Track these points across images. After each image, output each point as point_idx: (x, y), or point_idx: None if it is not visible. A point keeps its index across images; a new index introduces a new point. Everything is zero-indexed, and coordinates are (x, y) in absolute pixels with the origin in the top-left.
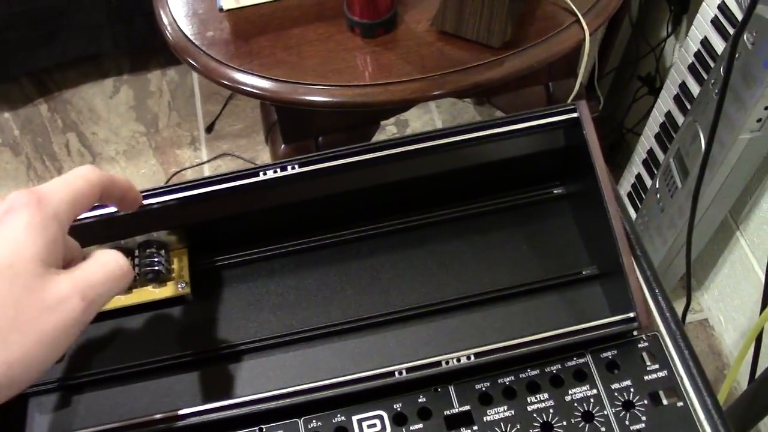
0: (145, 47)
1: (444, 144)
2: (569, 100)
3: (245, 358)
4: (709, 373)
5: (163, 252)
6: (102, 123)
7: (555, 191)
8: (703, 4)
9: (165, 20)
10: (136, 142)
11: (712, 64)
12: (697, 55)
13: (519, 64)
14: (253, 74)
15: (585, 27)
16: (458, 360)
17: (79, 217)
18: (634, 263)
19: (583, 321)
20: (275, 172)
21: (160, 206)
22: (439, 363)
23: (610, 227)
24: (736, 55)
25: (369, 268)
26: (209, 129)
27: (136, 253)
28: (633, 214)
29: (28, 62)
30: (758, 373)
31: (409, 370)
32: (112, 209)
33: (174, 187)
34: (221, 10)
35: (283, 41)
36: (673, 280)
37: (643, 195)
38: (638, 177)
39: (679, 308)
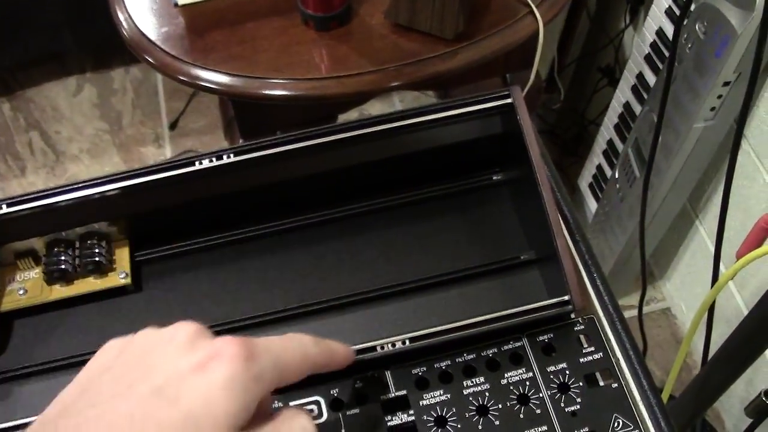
0: (108, 45)
1: (380, 131)
2: (524, 91)
3: None
4: (672, 360)
5: (104, 243)
6: (65, 121)
7: (494, 177)
8: None
9: (120, 16)
10: (99, 140)
11: (666, 54)
12: (653, 45)
13: (473, 56)
14: (208, 69)
15: (539, 17)
16: (393, 345)
17: (16, 210)
18: (572, 247)
19: (521, 305)
20: (211, 161)
21: (99, 196)
22: (374, 348)
23: (544, 211)
24: (689, 45)
25: (308, 256)
26: (173, 126)
27: (77, 244)
28: (594, 204)
29: None
30: (710, 356)
31: None
32: (52, 200)
33: (111, 177)
34: (176, 5)
35: (238, 35)
36: (635, 270)
37: (603, 185)
38: (599, 168)
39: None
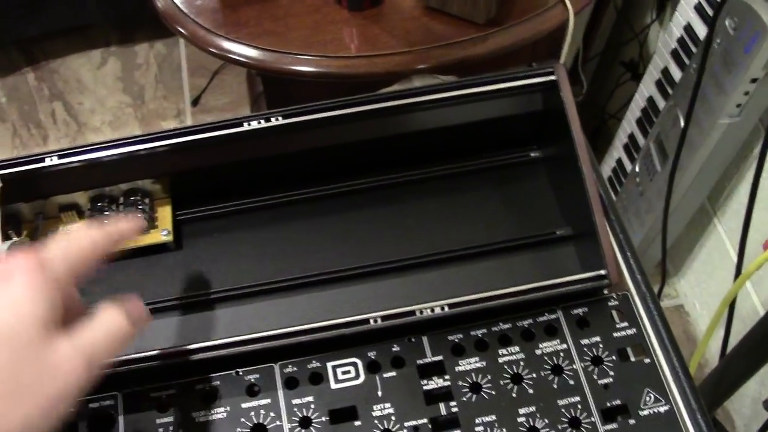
0: (133, 19)
1: (422, 101)
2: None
3: (225, 305)
4: (685, 357)
5: (147, 200)
6: (88, 93)
7: (532, 154)
8: None
9: None
10: (121, 113)
11: (694, 50)
12: (680, 40)
13: (502, 42)
14: (240, 43)
15: (569, 7)
16: (432, 310)
17: (65, 161)
18: (607, 224)
19: (555, 278)
20: (259, 123)
21: (145, 153)
22: (413, 312)
23: (584, 188)
24: (718, 41)
25: (349, 222)
26: (195, 102)
27: (121, 200)
28: (613, 198)
29: (15, 31)
30: (728, 350)
31: (384, 318)
32: (95, 155)
33: (158, 135)
34: None
35: (271, 12)
36: (651, 265)
37: (623, 179)
38: (618, 162)
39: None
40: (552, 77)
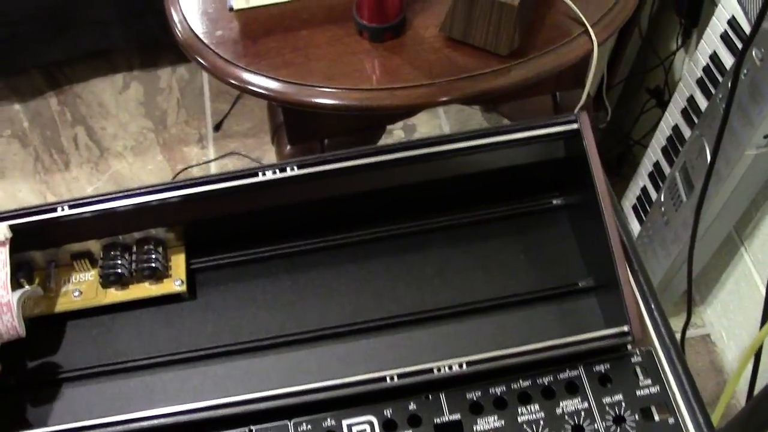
0: (156, 44)
1: (445, 151)
2: (576, 111)
3: (239, 358)
4: (710, 389)
5: (160, 249)
6: (111, 118)
7: (554, 202)
8: (713, 18)
9: (175, 18)
10: (144, 138)
11: (720, 79)
12: (706, 69)
13: (526, 73)
14: (260, 74)
15: (593, 38)
16: (450, 368)
17: (77, 212)
18: (630, 277)
19: (577, 333)
20: (274, 173)
21: (159, 203)
22: (430, 370)
23: (607, 239)
24: (744, 71)
25: (366, 272)
26: (217, 127)
27: (134, 249)
28: (637, 226)
29: (39, 55)
30: (757, 390)
31: (400, 376)
32: (107, 205)
33: (173, 185)
34: (231, 9)
35: (292, 42)
36: (676, 294)
37: (648, 208)
38: (644, 190)
39: (681, 322)
40: (574, 126)
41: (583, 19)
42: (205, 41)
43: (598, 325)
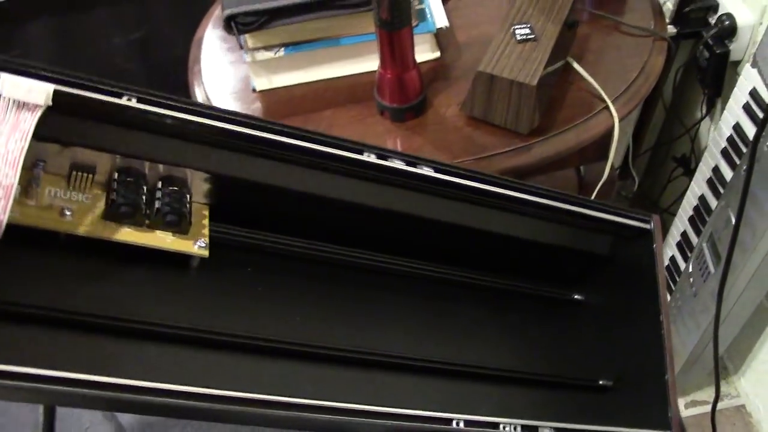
0: None
1: (514, 198)
2: (599, 185)
3: (239, 354)
4: None
5: (187, 197)
6: None
7: (575, 297)
8: (735, 89)
9: (199, 97)
10: None
11: (744, 149)
12: (730, 139)
13: (547, 151)
14: None
15: (614, 114)
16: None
17: (107, 99)
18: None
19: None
20: (369, 156)
21: (205, 130)
22: (496, 425)
23: (663, 348)
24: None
25: (397, 306)
26: None
27: (159, 185)
28: (667, 296)
29: None
30: None
31: (468, 423)
32: (163, 111)
33: (231, 116)
34: (254, 90)
35: (315, 122)
36: (708, 365)
37: (677, 278)
38: (672, 259)
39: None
40: (647, 225)
41: (604, 95)
42: None
43: (616, 423)
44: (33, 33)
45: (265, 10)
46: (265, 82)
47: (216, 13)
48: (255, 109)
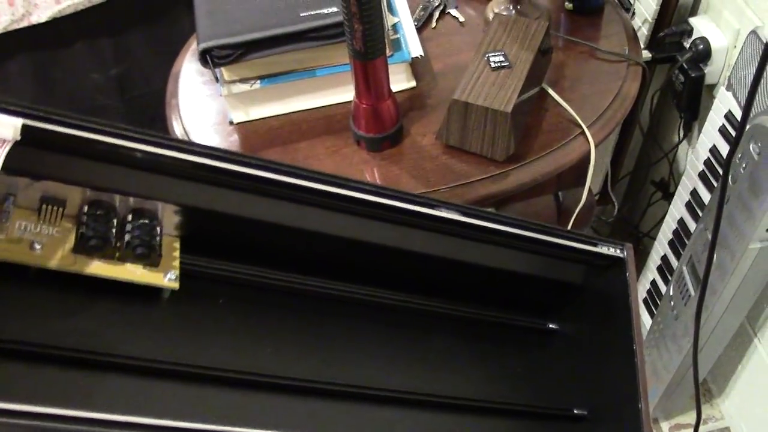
0: None
1: (482, 228)
2: (577, 210)
3: (209, 386)
4: None
5: (157, 229)
6: None
7: (549, 325)
8: (711, 112)
9: (177, 131)
10: None
11: (721, 173)
12: (707, 162)
13: (524, 177)
14: None
15: (590, 139)
16: None
17: (81, 134)
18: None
19: None
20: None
21: (176, 164)
22: None
23: (636, 377)
24: (744, 165)
25: (370, 336)
26: None
27: (129, 218)
28: (648, 320)
29: None
30: None
31: None
32: (138, 146)
33: (201, 149)
34: (231, 123)
35: (291, 154)
36: (691, 388)
37: (658, 301)
38: (653, 283)
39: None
40: (620, 254)
41: (579, 120)
42: None
43: None
44: (12, 69)
45: (240, 43)
46: (241, 114)
47: (193, 47)
48: (233, 141)
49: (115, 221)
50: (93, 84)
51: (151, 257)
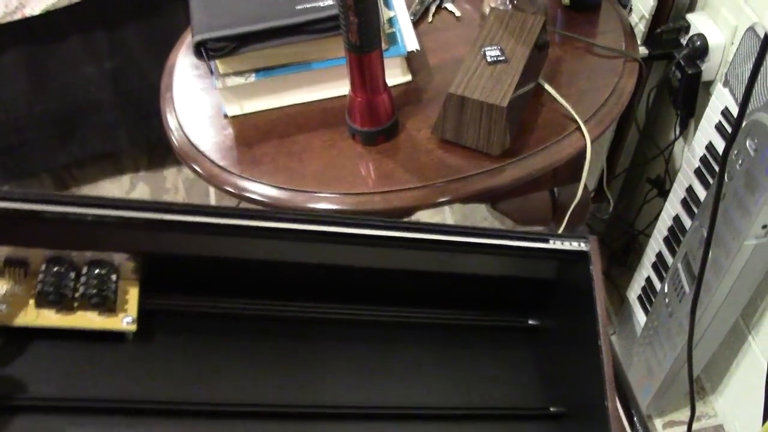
0: (161, 145)
1: (447, 242)
2: (572, 206)
3: (176, 421)
4: None
5: (114, 277)
6: None
7: (530, 322)
8: (707, 109)
9: (171, 124)
10: None
11: (717, 169)
12: (703, 159)
13: (519, 173)
14: (255, 181)
15: (586, 134)
16: None
17: (28, 207)
18: (621, 410)
19: None
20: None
21: (133, 222)
22: None
23: (601, 372)
24: (740, 162)
25: (334, 354)
26: None
27: (84, 270)
28: (643, 317)
29: (47, 160)
30: None
31: None
32: (75, 210)
33: (155, 205)
34: (226, 116)
35: (286, 147)
36: (685, 385)
37: (653, 298)
38: (648, 280)
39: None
40: (584, 247)
41: (575, 116)
42: (201, 148)
43: None
44: (5, 62)
45: (235, 36)
46: (236, 107)
47: (187, 40)
48: (227, 134)
49: (72, 274)
50: (87, 77)
51: (106, 304)
